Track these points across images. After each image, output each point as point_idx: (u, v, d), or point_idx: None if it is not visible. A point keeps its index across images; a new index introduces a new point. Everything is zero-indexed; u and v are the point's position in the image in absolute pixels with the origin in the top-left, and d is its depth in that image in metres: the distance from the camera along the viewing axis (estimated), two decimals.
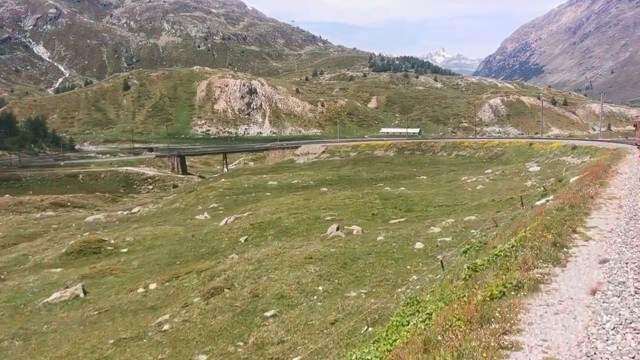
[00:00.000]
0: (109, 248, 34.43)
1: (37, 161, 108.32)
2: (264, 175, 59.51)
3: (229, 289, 19.96)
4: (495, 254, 8.75)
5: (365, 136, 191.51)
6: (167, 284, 23.17)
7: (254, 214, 34.73)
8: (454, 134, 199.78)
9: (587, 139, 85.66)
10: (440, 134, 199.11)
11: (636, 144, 44.84)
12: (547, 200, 15.12)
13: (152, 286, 23.16)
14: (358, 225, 27.34)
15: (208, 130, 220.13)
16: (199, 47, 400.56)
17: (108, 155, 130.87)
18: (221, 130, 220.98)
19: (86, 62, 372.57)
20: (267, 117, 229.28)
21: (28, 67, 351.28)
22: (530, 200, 18.64)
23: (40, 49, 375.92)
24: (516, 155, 62.63)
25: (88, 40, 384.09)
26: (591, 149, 45.10)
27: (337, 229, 26.66)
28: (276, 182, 52.35)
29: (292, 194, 42.17)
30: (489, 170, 45.48)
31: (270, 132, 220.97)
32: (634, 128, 50.44)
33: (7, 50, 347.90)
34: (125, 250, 33.67)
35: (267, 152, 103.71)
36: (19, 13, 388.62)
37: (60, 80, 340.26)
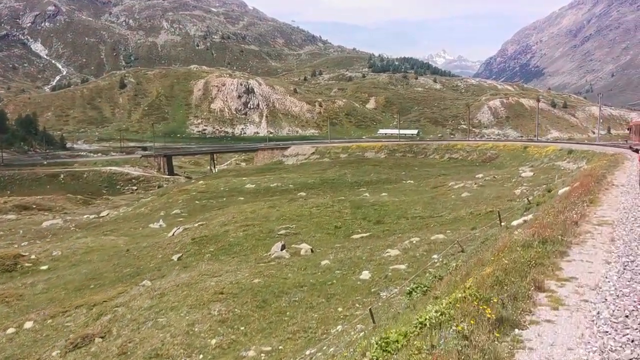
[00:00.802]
0: (26, 265, 30.42)
1: (23, 159, 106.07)
2: (245, 178, 57.59)
3: (102, 337, 16.42)
4: (417, 324, 6.07)
5: (364, 137, 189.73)
6: (48, 321, 19.46)
7: (204, 225, 32.49)
8: (452, 136, 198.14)
9: (586, 142, 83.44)
10: (439, 135, 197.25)
11: (630, 147, 46.48)
12: (525, 221, 13.16)
13: (28, 325, 19.18)
14: (311, 243, 24.94)
15: (204, 129, 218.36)
16: (197, 46, 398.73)
17: (100, 154, 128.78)
18: (218, 129, 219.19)
19: (84, 60, 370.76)
20: (264, 117, 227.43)
21: (25, 65, 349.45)
22: (513, 213, 16.68)
23: (38, 47, 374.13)
24: (510, 158, 60.66)
25: (86, 38, 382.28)
26: (588, 154, 42.99)
27: (283, 247, 24.27)
28: (254, 186, 50.36)
29: (260, 200, 40.14)
30: (480, 175, 43.47)
31: (267, 132, 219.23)
32: (629, 132, 51.94)
33: (4, 48, 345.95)
34: (45, 267, 29.93)
35: (255, 153, 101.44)
36: (18, 10, 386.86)
37: (58, 78, 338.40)
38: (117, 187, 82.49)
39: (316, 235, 26.53)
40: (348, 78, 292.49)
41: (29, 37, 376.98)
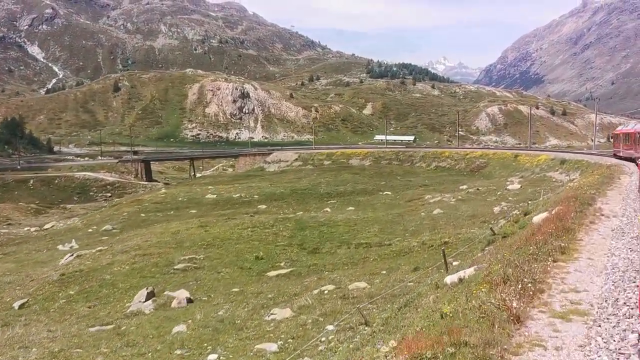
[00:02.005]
0: None
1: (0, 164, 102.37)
2: (211, 187, 54.33)
3: None
4: None
5: (360, 143, 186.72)
6: None
7: (102, 252, 28.64)
8: (449, 142, 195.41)
9: (584, 150, 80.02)
10: (436, 142, 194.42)
11: (614, 155, 47.77)
12: (475, 269, 9.94)
13: None
14: (208, 284, 20.67)
15: (198, 134, 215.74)
16: (195, 50, 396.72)
17: (87, 159, 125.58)
18: (212, 134, 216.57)
19: (81, 64, 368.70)
20: (259, 122, 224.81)
21: (22, 67, 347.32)
22: (472, 248, 13.51)
23: (35, 49, 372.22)
24: (500, 168, 57.18)
25: (84, 42, 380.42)
26: (582, 164, 39.48)
27: (149, 296, 19.78)
28: (215, 196, 47.13)
29: (210, 215, 36.71)
30: (464, 187, 40.31)
31: (262, 137, 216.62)
32: (613, 140, 53.21)
33: (0, 50, 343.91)
34: None
35: (237, 159, 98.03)
36: (15, 13, 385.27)
37: (54, 81, 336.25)
38: (90, 193, 78.93)
39: (222, 272, 22.63)
40: (345, 83, 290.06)
41: (25, 40, 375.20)
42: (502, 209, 26.11)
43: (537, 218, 13.51)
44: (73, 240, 36.43)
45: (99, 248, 29.84)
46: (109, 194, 77.46)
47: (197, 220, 34.70)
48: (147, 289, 20.30)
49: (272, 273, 22.12)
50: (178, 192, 52.08)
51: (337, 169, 68.58)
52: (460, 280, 9.29)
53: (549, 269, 8.86)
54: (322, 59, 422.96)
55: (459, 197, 34.77)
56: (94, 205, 66.51)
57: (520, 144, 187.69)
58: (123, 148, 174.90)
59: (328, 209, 35.03)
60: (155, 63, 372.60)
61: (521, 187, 35.88)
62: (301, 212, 34.19)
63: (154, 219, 40.94)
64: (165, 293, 20.12)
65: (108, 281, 23.29)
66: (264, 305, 16.05)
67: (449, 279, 9.96)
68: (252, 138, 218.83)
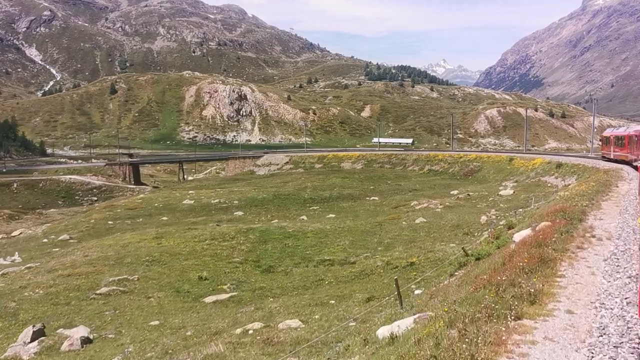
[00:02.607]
0: None
1: None
2: (192, 192, 52.51)
3: None
4: None
5: (357, 145, 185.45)
6: None
7: (31, 270, 26.03)
8: (448, 145, 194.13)
9: (584, 152, 78.22)
10: (434, 144, 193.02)
11: (603, 157, 48.17)
12: (416, 320, 7.94)
13: None
14: (128, 313, 18.08)
15: (195, 136, 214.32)
16: (194, 52, 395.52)
17: (80, 161, 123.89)
18: (209, 136, 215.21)
19: (79, 66, 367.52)
20: (256, 124, 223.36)
21: (19, 70, 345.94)
22: (440, 272, 11.75)
23: (32, 52, 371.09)
24: (494, 172, 55.29)
25: (82, 44, 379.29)
26: (578, 168, 37.69)
27: (36, 336, 16.21)
28: (193, 202, 45.37)
29: (177, 223, 34.66)
30: (455, 192, 38.57)
31: (260, 139, 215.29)
32: (601, 143, 53.57)
33: None
34: None
35: (227, 162, 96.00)
36: (13, 15, 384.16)
37: (52, 83, 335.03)
38: (76, 197, 76.94)
39: (153, 297, 20.14)
40: (344, 86, 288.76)
41: (23, 42, 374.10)
42: (490, 218, 24.39)
43: (519, 236, 11.75)
44: (16, 253, 33.46)
45: (30, 265, 27.21)
46: (95, 198, 75.46)
47: (155, 230, 32.74)
48: (34, 326, 16.39)
49: (210, 299, 19.89)
50: (156, 197, 50.28)
51: (326, 172, 66.75)
52: (392, 338, 7.44)
53: (504, 336, 6.06)
54: (320, 61, 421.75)
55: (447, 203, 33.09)
56: (75, 210, 64.36)
57: (519, 146, 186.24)
58: (119, 150, 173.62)
59: (304, 217, 33.31)
60: (154, 65, 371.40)
61: (514, 192, 34.13)
62: (276, 220, 32.47)
63: (120, 227, 39.02)
64: (59, 331, 16.57)
65: (10, 310, 19.44)
66: (173, 350, 13.79)
67: (382, 332, 8.13)
68: (250, 140, 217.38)
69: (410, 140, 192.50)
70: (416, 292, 11.90)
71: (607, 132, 49.68)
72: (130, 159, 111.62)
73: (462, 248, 11.66)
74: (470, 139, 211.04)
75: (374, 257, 21.82)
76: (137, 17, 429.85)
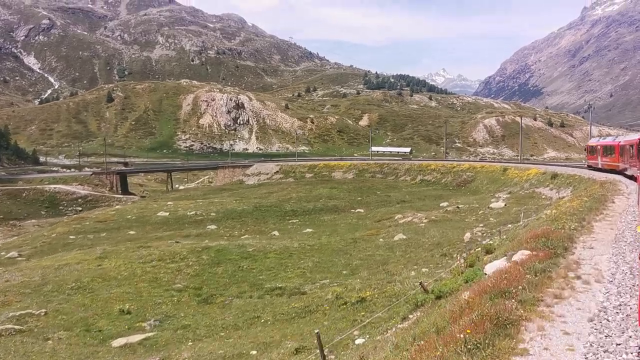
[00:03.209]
0: None
1: None
2: (171, 202, 50.67)
3: None
4: None
5: (355, 154, 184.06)
6: None
7: None
8: (447, 154, 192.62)
9: (583, 161, 76.33)
10: (432, 154, 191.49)
11: (588, 167, 48.57)
12: None
13: None
14: None
15: (192, 145, 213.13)
16: (192, 61, 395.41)
17: (72, 170, 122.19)
18: (205, 145, 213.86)
19: (77, 74, 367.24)
20: (254, 133, 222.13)
21: (17, 78, 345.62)
22: (397, 310, 9.79)
23: (31, 60, 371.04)
24: (487, 182, 53.42)
25: (80, 52, 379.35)
26: (574, 180, 35.96)
27: None
28: (168, 214, 43.52)
29: (126, 241, 32.24)
30: (445, 204, 36.84)
31: (257, 148, 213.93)
32: (585, 152, 54.21)
33: None
34: None
35: (216, 172, 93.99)
36: (11, 23, 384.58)
37: (49, 91, 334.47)
38: (60, 207, 74.85)
39: (52, 338, 17.06)
40: (342, 95, 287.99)
41: (22, 51, 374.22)
42: (474, 235, 22.54)
43: (491, 267, 9.91)
44: None
45: None
46: (80, 208, 73.37)
47: (102, 249, 30.36)
48: None
49: (119, 341, 16.96)
50: (132, 208, 48.38)
51: (315, 182, 64.83)
52: None
53: None
54: (319, 70, 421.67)
55: (433, 217, 31.17)
56: (53, 222, 61.86)
57: (517, 155, 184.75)
58: (114, 159, 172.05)
59: (276, 232, 31.48)
60: (152, 74, 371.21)
61: (505, 205, 32.30)
62: (246, 236, 30.56)
63: (80, 243, 36.61)
64: None
65: None
66: None
67: None
68: (247, 149, 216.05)
69: (408, 150, 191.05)
70: (357, 341, 10.01)
71: (593, 142, 50.40)
72: (122, 168, 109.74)
73: (420, 283, 9.72)
74: (469, 148, 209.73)
75: (330, 286, 19.57)
76: (136, 25, 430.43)
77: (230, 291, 21.88)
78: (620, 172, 35.80)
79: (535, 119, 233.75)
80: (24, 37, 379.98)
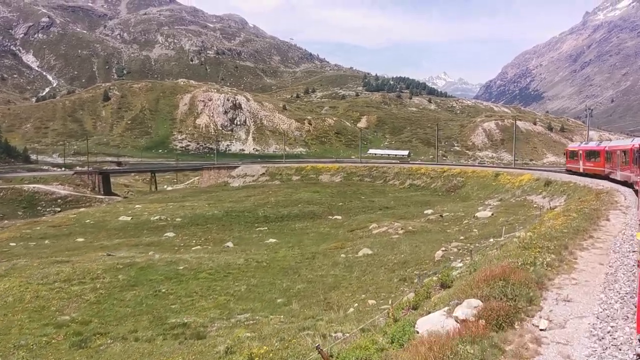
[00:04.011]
0: None
1: None
2: (139, 205, 48.40)
3: None
4: None
5: (353, 157, 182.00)
6: None
7: None
8: (444, 158, 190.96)
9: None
10: (430, 157, 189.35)
11: (567, 171, 48.85)
12: None
13: None
14: None
15: (188, 145, 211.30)
16: (191, 60, 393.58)
17: (63, 169, 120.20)
18: (202, 145, 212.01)
19: (76, 73, 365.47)
20: (250, 134, 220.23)
21: (15, 76, 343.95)
22: None
23: (29, 58, 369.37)
24: (478, 188, 51.04)
25: (79, 51, 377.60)
26: (569, 187, 33.71)
27: None
28: (130, 219, 41.25)
29: (88, 247, 29.57)
30: (429, 211, 34.58)
31: (254, 149, 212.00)
32: (565, 156, 55.32)
33: None
34: None
35: (201, 173, 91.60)
36: (11, 21, 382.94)
37: (47, 89, 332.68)
38: (38, 208, 72.56)
39: None
40: (341, 96, 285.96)
41: (20, 48, 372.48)
42: (449, 251, 20.15)
43: (425, 324, 7.28)
44: None
45: None
46: (59, 209, 71.09)
47: (11, 264, 26.89)
48: None
49: None
50: (94, 212, 46.12)
51: (300, 185, 62.37)
52: None
53: None
54: (319, 71, 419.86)
55: (411, 227, 28.70)
56: (24, 223, 59.20)
57: (516, 160, 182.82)
58: (109, 158, 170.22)
59: (230, 244, 29.04)
60: (151, 73, 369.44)
61: (492, 215, 29.97)
62: (198, 247, 28.19)
63: (17, 252, 33.33)
64: None
65: None
66: None
67: None
68: (243, 150, 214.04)
69: (406, 152, 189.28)
70: None
71: (574, 147, 51.31)
72: (106, 168, 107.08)
73: (317, 347, 7.37)
74: (467, 151, 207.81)
75: (241, 326, 16.38)
76: (136, 24, 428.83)
77: (122, 328, 18.22)
78: (604, 177, 35.61)
79: (535, 123, 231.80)
80: (23, 34, 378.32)
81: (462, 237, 23.40)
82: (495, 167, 69.05)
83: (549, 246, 11.99)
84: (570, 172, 48.10)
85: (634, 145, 27.28)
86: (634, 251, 12.22)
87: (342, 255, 25.07)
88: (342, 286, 19.69)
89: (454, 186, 56.57)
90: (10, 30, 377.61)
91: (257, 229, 36.12)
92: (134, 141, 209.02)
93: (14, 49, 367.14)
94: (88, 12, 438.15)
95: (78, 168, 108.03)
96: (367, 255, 24.05)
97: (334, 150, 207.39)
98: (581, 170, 43.78)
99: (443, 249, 21.77)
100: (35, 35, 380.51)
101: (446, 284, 10.56)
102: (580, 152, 45.36)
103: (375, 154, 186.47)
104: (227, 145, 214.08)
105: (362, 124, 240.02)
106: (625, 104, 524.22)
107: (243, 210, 45.11)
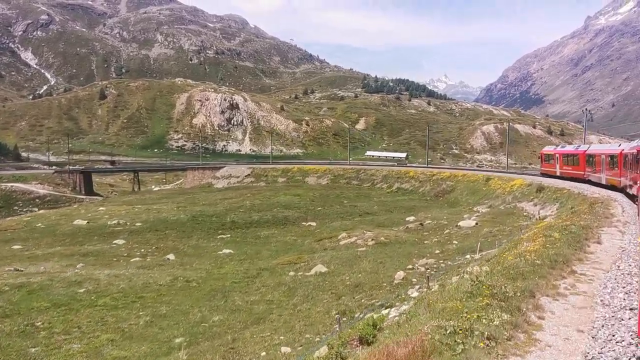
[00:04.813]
0: None
1: None
2: (103, 208, 46.38)
3: None
4: None
5: (350, 159, 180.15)
6: None
7: None
8: (442, 161, 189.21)
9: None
10: (429, 160, 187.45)
11: (541, 174, 49.81)
12: None
13: None
14: None
15: (184, 145, 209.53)
16: (191, 60, 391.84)
17: (54, 167, 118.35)
18: (198, 145, 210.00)
19: (74, 71, 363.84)
20: (247, 134, 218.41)
21: (13, 73, 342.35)
22: None
23: (28, 55, 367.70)
24: (467, 193, 48.88)
25: (78, 49, 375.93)
26: (562, 194, 31.42)
27: None
28: (85, 223, 39.00)
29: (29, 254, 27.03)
30: (411, 218, 32.50)
31: (250, 149, 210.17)
32: (539, 159, 55.46)
33: None
34: None
35: (185, 173, 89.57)
36: (10, 18, 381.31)
37: (45, 87, 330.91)
38: (15, 207, 70.31)
39: None
40: (340, 97, 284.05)
41: (19, 46, 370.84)
42: (415, 270, 17.72)
43: None
44: None
45: None
46: (37, 209, 68.85)
47: None
48: None
49: None
50: (50, 215, 43.82)
51: (283, 187, 60.22)
52: None
53: None
54: (319, 72, 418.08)
55: (383, 238, 26.17)
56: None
57: (515, 163, 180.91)
58: (103, 157, 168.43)
59: (171, 257, 26.70)
60: (150, 72, 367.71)
61: (477, 224, 27.72)
62: (137, 259, 25.82)
63: None
64: None
65: None
66: None
67: None
68: (240, 150, 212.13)
69: (404, 155, 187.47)
70: None
71: (549, 150, 50.95)
72: (87, 167, 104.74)
73: None
74: (466, 154, 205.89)
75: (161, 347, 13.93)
76: (135, 23, 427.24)
77: None
78: (584, 181, 36.13)
79: (534, 127, 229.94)
80: (21, 32, 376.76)
81: (437, 251, 21.03)
82: (486, 170, 66.36)
83: (507, 292, 8.18)
84: (545, 175, 48.23)
85: (622, 149, 26.55)
86: (632, 308, 7.61)
87: (291, 273, 22.22)
88: (268, 319, 16.62)
89: (442, 190, 54.46)
90: (9, 28, 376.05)
91: (219, 236, 33.91)
92: (129, 140, 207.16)
93: (12, 46, 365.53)
94: (87, 10, 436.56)
95: (56, 167, 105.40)
96: (319, 275, 21.08)
97: (332, 152, 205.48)
98: (558, 174, 43.78)
99: (409, 266, 19.34)
100: (34, 33, 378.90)
101: (365, 340, 8.00)
102: (557, 155, 45.48)
103: (373, 156, 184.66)
104: (224, 145, 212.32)
105: (361, 125, 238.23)
106: (625, 109, 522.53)
107: (212, 215, 42.85)
